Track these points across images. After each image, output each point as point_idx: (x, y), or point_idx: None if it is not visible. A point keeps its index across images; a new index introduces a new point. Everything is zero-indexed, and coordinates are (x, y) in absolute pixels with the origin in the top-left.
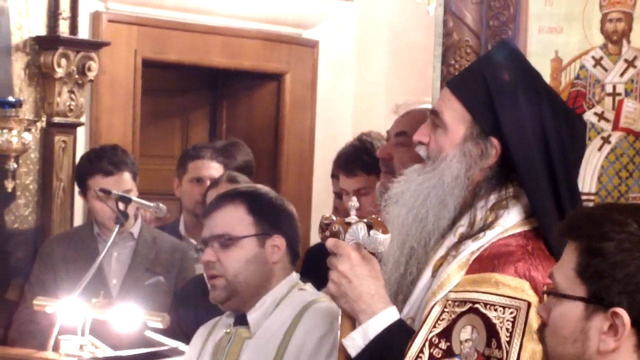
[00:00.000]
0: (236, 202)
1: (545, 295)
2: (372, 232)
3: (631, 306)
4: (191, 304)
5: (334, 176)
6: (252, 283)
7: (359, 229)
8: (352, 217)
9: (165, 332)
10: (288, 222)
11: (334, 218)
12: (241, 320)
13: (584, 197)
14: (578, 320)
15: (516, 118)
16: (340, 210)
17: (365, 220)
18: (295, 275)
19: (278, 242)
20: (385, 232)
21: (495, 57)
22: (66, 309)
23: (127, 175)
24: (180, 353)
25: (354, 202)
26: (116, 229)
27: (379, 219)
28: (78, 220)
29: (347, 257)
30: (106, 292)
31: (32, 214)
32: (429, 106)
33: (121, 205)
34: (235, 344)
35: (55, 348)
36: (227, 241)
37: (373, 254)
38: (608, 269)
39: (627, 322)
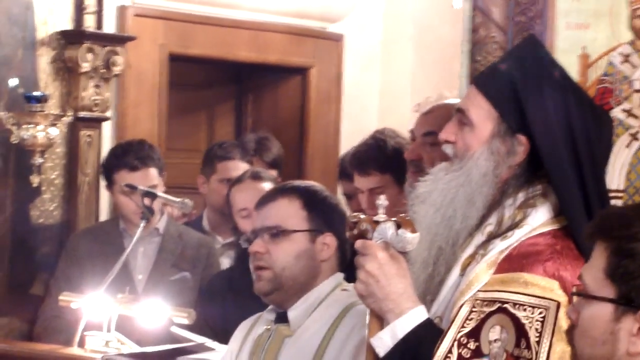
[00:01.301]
0: (292, 196)
1: (574, 297)
2: (400, 231)
3: None
4: (217, 299)
5: (343, 177)
6: (298, 279)
7: (387, 228)
8: (381, 216)
9: (191, 328)
10: (340, 222)
11: (362, 216)
12: (282, 317)
13: (612, 194)
14: (607, 322)
15: (543, 115)
16: (352, 211)
17: (394, 219)
18: (340, 275)
19: (329, 240)
20: (413, 231)
21: (522, 54)
22: (92, 305)
23: (153, 171)
24: (206, 349)
25: (382, 200)
26: (142, 225)
27: (408, 218)
28: (103, 215)
29: (374, 256)
30: (132, 288)
31: (57, 208)
32: (451, 101)
33: (147, 201)
34: (274, 342)
35: (81, 344)
36: (279, 233)
37: (401, 252)
38: (638, 270)
39: None
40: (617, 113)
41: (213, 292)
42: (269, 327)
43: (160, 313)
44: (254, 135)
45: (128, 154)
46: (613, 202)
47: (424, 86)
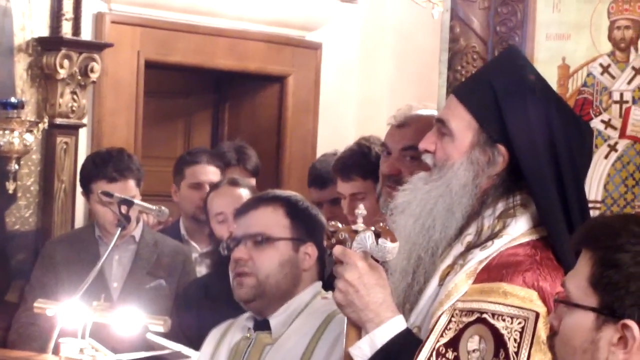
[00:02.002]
0: (275, 205)
1: (556, 304)
2: (380, 240)
3: None
4: (193, 307)
5: (313, 185)
6: (281, 287)
7: (367, 237)
8: (360, 225)
9: (166, 335)
10: (321, 232)
11: (340, 225)
12: (262, 324)
13: (590, 205)
14: (588, 331)
15: (523, 125)
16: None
17: (373, 228)
18: (319, 284)
19: (310, 250)
20: (393, 240)
21: (502, 64)
22: (67, 312)
23: (131, 182)
24: (182, 356)
25: (361, 209)
26: (118, 232)
27: (387, 227)
28: (79, 222)
29: (354, 265)
30: (107, 296)
31: (33, 215)
32: (424, 112)
33: (123, 209)
34: (255, 349)
35: (56, 351)
36: (263, 241)
37: (379, 262)
38: (622, 280)
39: (637, 335)
40: (596, 124)
41: (189, 299)
42: (248, 334)
43: (136, 320)
44: (231, 143)
45: (107, 165)
46: (591, 212)
47: (402, 95)
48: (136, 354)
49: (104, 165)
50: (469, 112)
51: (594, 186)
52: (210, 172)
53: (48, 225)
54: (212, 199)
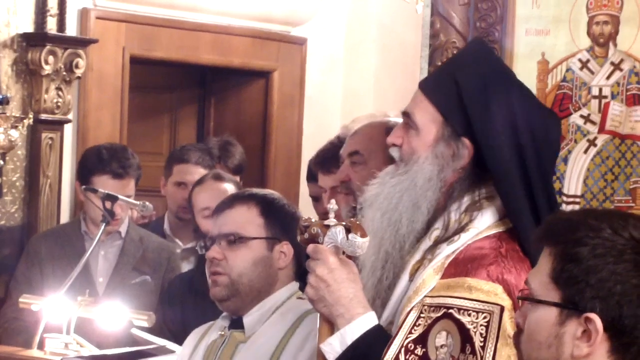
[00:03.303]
0: (250, 204)
1: (520, 301)
2: (350, 235)
3: (604, 311)
4: (177, 302)
5: (310, 179)
6: (255, 286)
7: (338, 232)
8: (331, 220)
9: (151, 331)
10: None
11: (313, 220)
12: (236, 323)
13: (569, 200)
14: (552, 326)
15: (487, 118)
16: (318, 213)
17: (343, 223)
18: (296, 284)
19: (286, 248)
20: (363, 235)
21: (466, 57)
22: (52, 307)
23: (132, 182)
24: (166, 351)
25: (332, 204)
26: (102, 227)
27: (358, 222)
28: (65, 217)
29: (325, 261)
30: (92, 291)
31: (18, 211)
32: (381, 120)
33: (107, 204)
34: (228, 347)
35: (41, 346)
36: (236, 240)
37: (351, 257)
38: (581, 274)
39: (600, 328)
40: (575, 119)
41: (173, 294)
42: (222, 332)
43: (120, 316)
44: (217, 140)
45: (112, 160)
46: (570, 207)
47: (386, 90)
48: (121, 349)
49: (110, 160)
50: (433, 106)
51: (574, 181)
52: (197, 173)
53: (34, 220)
54: (197, 193)
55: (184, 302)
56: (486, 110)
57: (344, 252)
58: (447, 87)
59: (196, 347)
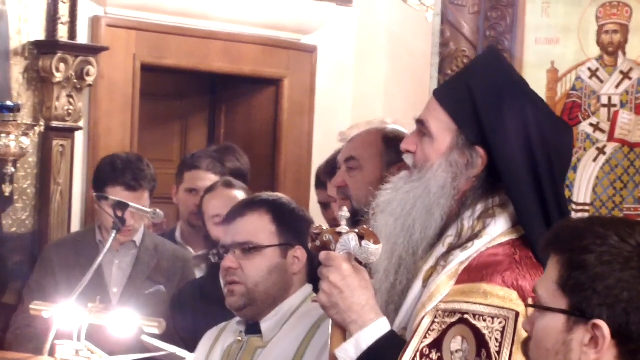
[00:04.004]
0: (261, 211)
1: (528, 309)
2: (363, 242)
3: (611, 318)
4: (188, 309)
5: (319, 186)
6: (271, 293)
7: (350, 239)
8: (343, 227)
9: (161, 337)
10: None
11: (324, 228)
12: (253, 328)
13: (579, 208)
14: (560, 333)
15: (501, 127)
16: (327, 220)
17: (356, 230)
18: (309, 287)
19: (299, 253)
20: (376, 242)
21: (480, 66)
22: (63, 314)
23: (146, 194)
24: (177, 358)
25: (344, 212)
26: (113, 235)
27: (370, 229)
28: (75, 224)
29: (338, 268)
30: (106, 301)
31: (29, 218)
32: (374, 127)
33: (118, 212)
34: (247, 353)
35: (51, 353)
36: (250, 249)
37: (362, 264)
38: (588, 281)
39: (607, 334)
40: (584, 127)
41: (184, 301)
42: (240, 338)
43: (131, 322)
44: (214, 147)
45: (126, 171)
46: (579, 215)
47: (396, 97)
48: (131, 355)
49: (124, 171)
50: (448, 114)
51: (583, 189)
52: (208, 179)
53: (44, 227)
54: (208, 201)
55: (195, 309)
56: (500, 119)
57: (355, 259)
58: (461, 96)
59: (211, 349)
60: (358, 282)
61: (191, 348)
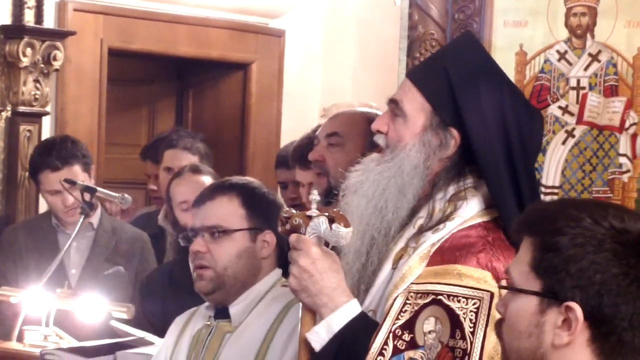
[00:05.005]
0: (230, 195)
1: (501, 291)
2: (334, 225)
3: (584, 300)
4: (157, 294)
5: (281, 166)
6: (240, 277)
7: (321, 223)
8: (314, 211)
9: (130, 322)
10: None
11: (294, 211)
12: (222, 313)
13: (547, 191)
14: (533, 315)
15: (477, 109)
16: (285, 200)
17: (326, 213)
18: (279, 271)
19: (269, 237)
20: (347, 225)
21: (457, 49)
22: (30, 299)
23: (76, 168)
24: (146, 343)
25: (314, 195)
26: (81, 220)
27: (341, 213)
28: (43, 209)
29: (308, 251)
30: (65, 282)
31: None
32: (359, 109)
33: (86, 196)
34: (216, 337)
35: (20, 339)
36: (219, 233)
37: (333, 247)
38: (561, 263)
39: (580, 316)
40: (553, 110)
41: (153, 286)
42: (208, 322)
43: (99, 308)
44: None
45: (50, 154)
46: (548, 198)
47: (365, 82)
48: (100, 340)
49: (47, 154)
50: (423, 95)
51: (552, 172)
52: (186, 159)
53: (12, 213)
54: (175, 187)
55: (164, 294)
56: (476, 100)
57: (325, 243)
58: (436, 77)
59: (180, 335)
60: (328, 265)
61: (160, 333)
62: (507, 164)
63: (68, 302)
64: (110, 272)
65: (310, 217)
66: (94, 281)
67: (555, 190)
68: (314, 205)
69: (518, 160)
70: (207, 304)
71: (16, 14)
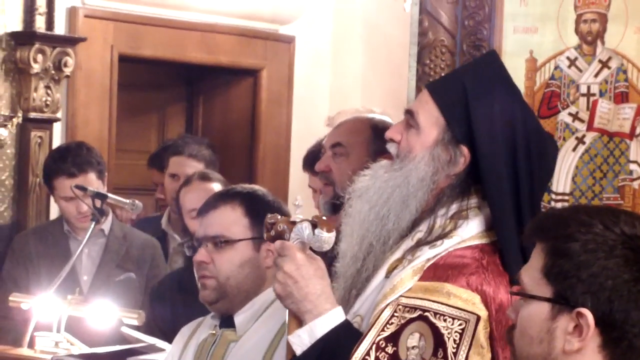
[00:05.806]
0: (233, 203)
1: (513, 297)
2: (316, 230)
3: (595, 306)
4: (167, 301)
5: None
6: (243, 287)
7: (304, 228)
8: (297, 216)
9: (140, 329)
10: None
11: (279, 217)
12: (227, 322)
13: (558, 198)
14: (544, 321)
15: (489, 131)
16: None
17: (309, 219)
18: None
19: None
20: (329, 230)
21: (478, 67)
22: (42, 306)
23: (91, 176)
24: (156, 350)
25: (298, 200)
26: (92, 226)
27: (324, 218)
28: (54, 215)
29: (292, 257)
30: (77, 289)
31: (7, 209)
32: (363, 115)
33: (97, 203)
34: (220, 346)
35: (31, 345)
36: (222, 243)
37: (319, 252)
38: (573, 269)
39: (591, 322)
40: (563, 116)
41: (163, 293)
42: (214, 331)
43: (110, 314)
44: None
45: (66, 160)
46: (559, 205)
47: (374, 88)
48: (111, 347)
49: (63, 161)
50: (439, 109)
51: (562, 178)
52: (190, 166)
53: (23, 219)
54: (184, 194)
55: (174, 301)
56: (489, 123)
57: (311, 248)
58: (455, 92)
59: (186, 344)
60: (313, 271)
61: (170, 339)
62: (512, 189)
63: (79, 309)
64: (122, 279)
65: (293, 223)
66: (105, 287)
67: (566, 197)
68: (297, 211)
69: (523, 187)
70: (213, 313)
71: (27, 21)
